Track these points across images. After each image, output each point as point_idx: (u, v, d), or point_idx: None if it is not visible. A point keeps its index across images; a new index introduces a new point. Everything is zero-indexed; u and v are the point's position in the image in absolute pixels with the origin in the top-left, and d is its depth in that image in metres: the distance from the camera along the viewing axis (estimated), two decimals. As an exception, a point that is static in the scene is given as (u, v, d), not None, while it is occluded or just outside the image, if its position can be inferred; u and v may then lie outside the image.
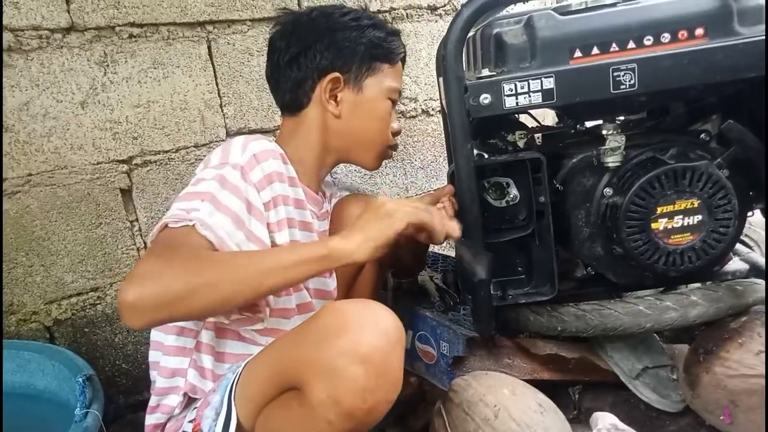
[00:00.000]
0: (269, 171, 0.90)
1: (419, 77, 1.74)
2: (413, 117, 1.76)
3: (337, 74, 0.99)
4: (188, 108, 1.40)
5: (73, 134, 1.28)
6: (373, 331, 0.67)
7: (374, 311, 0.70)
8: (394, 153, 1.12)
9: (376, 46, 1.01)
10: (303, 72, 1.00)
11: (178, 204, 0.80)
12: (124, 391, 1.39)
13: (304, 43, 1.00)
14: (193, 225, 0.76)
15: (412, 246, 1.05)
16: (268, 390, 0.77)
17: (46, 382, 1.04)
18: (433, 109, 1.79)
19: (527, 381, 1.06)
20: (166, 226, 0.78)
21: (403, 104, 1.73)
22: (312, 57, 0.99)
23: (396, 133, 1.08)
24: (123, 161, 1.34)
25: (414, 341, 1.29)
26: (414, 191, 1.81)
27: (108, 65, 1.30)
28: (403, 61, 1.09)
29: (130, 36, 1.31)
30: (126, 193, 1.36)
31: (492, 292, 1.08)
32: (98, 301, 1.36)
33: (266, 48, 1.06)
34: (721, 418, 0.99)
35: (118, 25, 1.30)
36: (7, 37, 1.19)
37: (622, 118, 1.01)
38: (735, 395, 0.97)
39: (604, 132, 0.97)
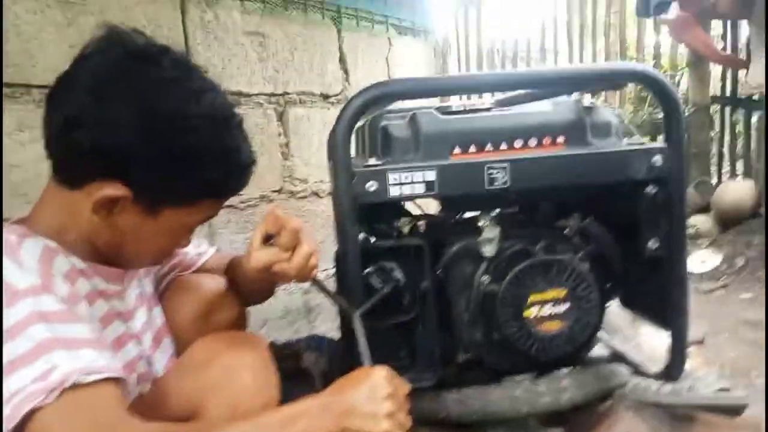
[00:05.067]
0: (65, 269, 0.71)
1: (310, 160, 1.77)
2: (303, 198, 1.77)
3: (125, 193, 0.70)
4: (56, 176, 1.29)
5: None
6: (246, 346, 0.83)
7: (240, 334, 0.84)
8: None
9: (208, 186, 0.75)
10: (79, 152, 0.69)
11: (13, 379, 0.57)
12: None
13: (102, 117, 0.67)
14: (105, 378, 0.60)
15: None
16: None
17: None
18: (323, 192, 1.81)
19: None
20: (63, 390, 0.57)
21: (294, 185, 1.73)
22: (99, 143, 0.67)
23: (181, 248, 0.87)
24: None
25: None
26: (301, 272, 1.78)
27: (-35, 124, 1.18)
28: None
29: (-3, 95, 1.21)
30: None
31: (375, 379, 1.06)
32: None
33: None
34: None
35: (-17, 83, 1.20)
36: None
37: (499, 210, 1.08)
38: (603, 480, 1.00)
39: (480, 223, 1.03)
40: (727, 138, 3.64)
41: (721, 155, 3.88)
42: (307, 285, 1.89)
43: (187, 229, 0.82)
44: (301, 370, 1.31)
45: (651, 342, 1.29)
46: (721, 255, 3.01)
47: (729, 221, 3.26)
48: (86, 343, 0.63)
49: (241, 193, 1.63)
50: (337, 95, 1.82)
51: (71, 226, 0.74)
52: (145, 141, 0.68)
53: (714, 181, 3.87)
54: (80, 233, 0.75)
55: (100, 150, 0.67)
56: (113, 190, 0.69)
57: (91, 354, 0.62)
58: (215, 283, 1.09)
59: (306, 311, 1.83)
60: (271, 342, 1.50)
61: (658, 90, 0.97)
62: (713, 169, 4.05)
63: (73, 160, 0.70)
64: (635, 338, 1.32)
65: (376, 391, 0.73)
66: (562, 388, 1.10)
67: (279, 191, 1.70)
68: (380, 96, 0.93)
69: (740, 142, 3.57)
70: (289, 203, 1.73)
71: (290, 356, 1.40)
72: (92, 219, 0.72)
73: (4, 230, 0.71)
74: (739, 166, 3.84)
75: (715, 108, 3.58)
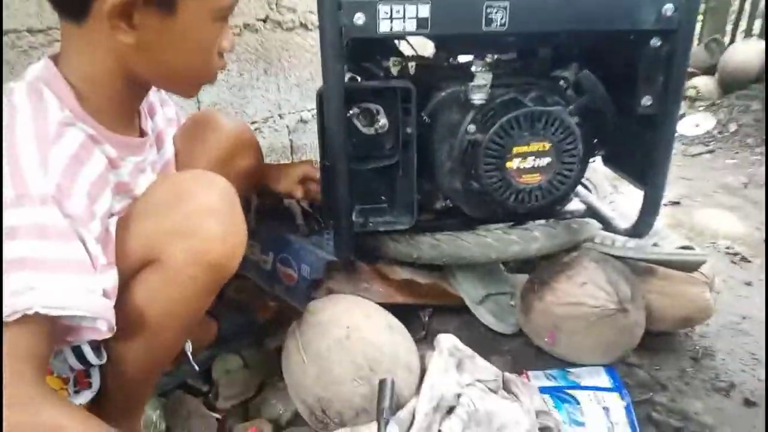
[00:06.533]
0: (91, 179, 0.68)
1: (300, -15, 1.62)
2: (290, 29, 1.65)
3: None
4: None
5: None
6: (211, 188, 0.73)
7: (205, 174, 0.75)
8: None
9: None
10: None
11: (5, 279, 0.58)
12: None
13: None
14: (34, 313, 0.58)
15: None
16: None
17: None
18: (312, 24, 1.69)
19: (381, 304, 1.10)
20: (24, 315, 0.58)
21: (280, 13, 1.61)
22: None
23: (227, 50, 0.79)
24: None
25: (276, 263, 1.27)
26: (287, 109, 1.74)
27: None
28: None
29: None
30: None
31: (354, 219, 1.09)
32: None
33: None
34: (546, 339, 1.12)
35: None
36: None
37: (493, 56, 1.02)
38: (559, 320, 1.09)
39: (473, 68, 0.98)
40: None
41: (741, 11, 3.62)
42: (293, 124, 1.87)
43: (215, 20, 0.73)
44: (281, 208, 1.34)
45: (627, 201, 1.32)
46: (715, 119, 2.98)
47: (733, 84, 3.17)
48: (74, 267, 0.62)
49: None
50: None
51: (96, 67, 0.71)
52: None
53: (727, 40, 3.67)
54: (109, 73, 0.72)
55: None
56: None
57: (70, 282, 0.61)
58: (240, 126, 1.08)
59: (292, 150, 1.83)
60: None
61: None
62: (729, 27, 3.81)
63: None
64: (612, 196, 1.34)
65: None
66: (532, 237, 1.14)
67: (264, 20, 1.57)
68: None
69: (764, -1, 3.32)
70: (275, 35, 1.62)
71: (271, 194, 1.42)
72: (117, 47, 0.69)
73: (47, 92, 0.68)
74: (758, 25, 3.60)
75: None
